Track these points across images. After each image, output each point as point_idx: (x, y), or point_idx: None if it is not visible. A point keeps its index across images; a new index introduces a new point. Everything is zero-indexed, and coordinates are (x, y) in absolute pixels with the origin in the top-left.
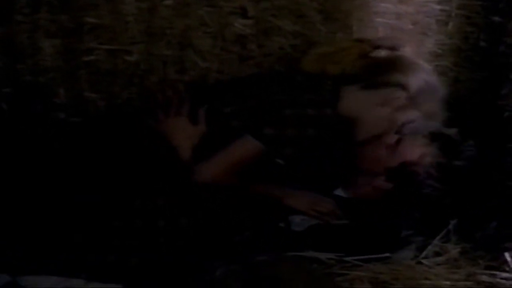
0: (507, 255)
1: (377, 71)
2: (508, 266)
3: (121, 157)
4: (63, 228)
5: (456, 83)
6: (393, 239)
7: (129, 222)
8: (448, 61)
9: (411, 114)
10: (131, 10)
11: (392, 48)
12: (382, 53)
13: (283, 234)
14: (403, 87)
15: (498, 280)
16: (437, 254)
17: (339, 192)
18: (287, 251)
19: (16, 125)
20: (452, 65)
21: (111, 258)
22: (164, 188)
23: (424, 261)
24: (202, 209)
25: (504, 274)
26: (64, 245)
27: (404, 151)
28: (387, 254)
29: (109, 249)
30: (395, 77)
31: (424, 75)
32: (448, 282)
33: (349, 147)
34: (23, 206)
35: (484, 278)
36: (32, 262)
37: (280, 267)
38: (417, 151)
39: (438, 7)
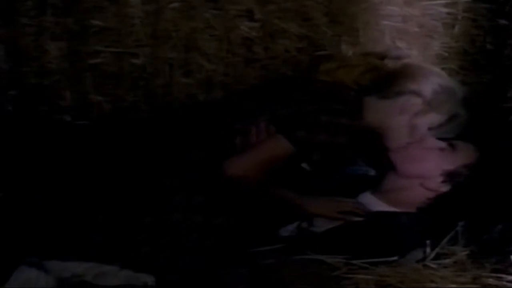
0: None
1: (388, 81)
2: None
3: (126, 159)
4: (95, 223)
5: (462, 86)
6: (403, 241)
7: (166, 216)
8: (454, 64)
9: (432, 118)
10: (137, 12)
11: (399, 58)
12: (390, 63)
13: (303, 234)
14: (416, 93)
15: (504, 283)
16: (445, 256)
17: (366, 196)
18: (305, 252)
19: (21, 127)
20: (458, 68)
21: (144, 250)
22: (201, 186)
23: (430, 263)
24: (236, 208)
25: (510, 277)
26: (96, 234)
27: (461, 155)
28: (395, 258)
29: (142, 241)
30: (406, 85)
31: (436, 78)
32: (454, 285)
33: (378, 155)
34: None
35: (490, 281)
36: (63, 249)
37: (286, 270)
38: (472, 156)
39: (444, 10)
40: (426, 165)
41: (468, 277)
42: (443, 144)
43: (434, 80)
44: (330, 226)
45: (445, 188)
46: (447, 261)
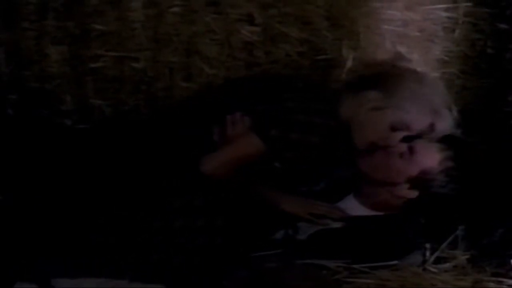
0: None
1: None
2: None
3: (127, 163)
4: (98, 230)
5: (463, 91)
6: (401, 246)
7: (169, 221)
8: (455, 69)
9: (394, 115)
10: (138, 17)
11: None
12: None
13: (288, 242)
14: (377, 88)
15: (505, 287)
16: (445, 260)
17: (350, 199)
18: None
19: (22, 131)
20: (459, 72)
21: (154, 258)
22: (201, 188)
23: (431, 267)
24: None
25: (511, 281)
26: (101, 247)
27: (421, 158)
28: (395, 262)
29: (150, 250)
30: (377, 81)
31: (407, 82)
32: None
33: (353, 156)
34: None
35: (491, 285)
36: (71, 265)
37: (287, 275)
38: (435, 157)
39: (445, 14)
40: (390, 173)
41: (469, 281)
42: (403, 149)
43: (404, 83)
44: (311, 231)
45: (413, 194)
46: (447, 265)
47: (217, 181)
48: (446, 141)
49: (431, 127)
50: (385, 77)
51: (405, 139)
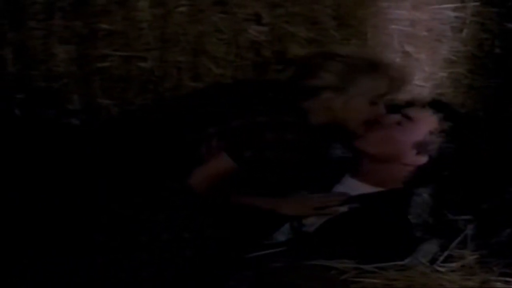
0: None
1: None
2: None
3: (134, 162)
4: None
5: (470, 90)
6: (408, 245)
7: (154, 236)
8: (462, 68)
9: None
10: (145, 16)
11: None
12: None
13: (295, 236)
14: (326, 88)
15: None
16: (453, 260)
17: (348, 180)
18: (302, 255)
19: (29, 131)
20: (467, 72)
21: (143, 274)
22: (184, 201)
23: (438, 267)
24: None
25: None
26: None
27: (420, 122)
28: (402, 262)
29: (140, 265)
30: (311, 82)
31: (332, 63)
32: None
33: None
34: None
35: (499, 285)
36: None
37: (294, 275)
38: (432, 119)
39: (453, 14)
40: (395, 143)
41: (477, 281)
42: (398, 117)
43: (331, 66)
44: (319, 222)
45: (422, 159)
46: (455, 265)
47: (200, 195)
48: (434, 106)
49: (393, 79)
50: (314, 72)
51: (395, 110)
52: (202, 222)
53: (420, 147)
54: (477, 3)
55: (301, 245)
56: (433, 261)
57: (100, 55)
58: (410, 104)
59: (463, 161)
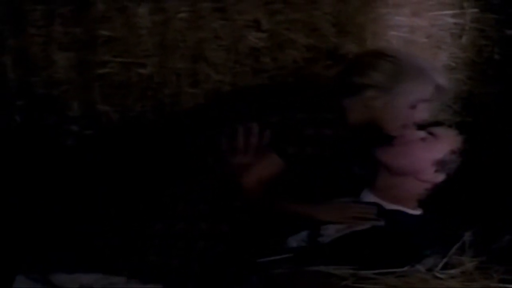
0: None
1: (343, 77)
2: None
3: (134, 168)
4: (98, 227)
5: (470, 97)
6: (413, 252)
7: (171, 224)
8: (462, 75)
9: (397, 101)
10: (144, 23)
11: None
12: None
13: (309, 244)
14: (371, 86)
15: None
16: (452, 266)
17: (367, 195)
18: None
19: (29, 137)
20: (466, 78)
21: (152, 259)
22: (207, 194)
23: (438, 274)
24: (242, 217)
25: None
26: (100, 244)
27: (443, 140)
28: (405, 268)
29: (150, 250)
30: (357, 79)
31: (383, 63)
32: None
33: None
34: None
35: None
36: (69, 261)
37: (296, 281)
38: (455, 139)
39: (452, 20)
40: (415, 159)
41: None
42: (423, 134)
43: (382, 66)
44: (337, 235)
45: (440, 177)
46: (455, 271)
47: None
48: (459, 127)
49: (438, 87)
50: (362, 70)
51: (422, 127)
52: (220, 218)
53: (440, 165)
54: (476, 10)
55: (311, 254)
56: (433, 268)
57: (100, 62)
58: (439, 123)
59: (463, 168)
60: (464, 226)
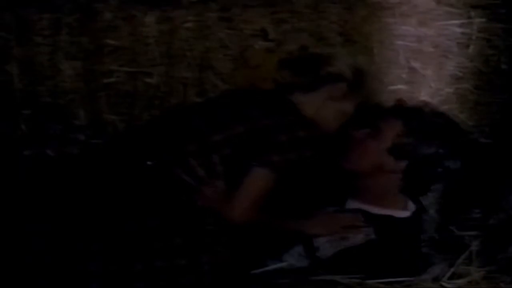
0: None
1: (307, 71)
2: None
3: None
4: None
5: (476, 106)
6: (417, 261)
7: (150, 262)
8: (469, 84)
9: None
10: (151, 32)
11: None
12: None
13: (309, 261)
14: (338, 76)
15: None
16: (459, 276)
17: (351, 203)
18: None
19: (35, 146)
20: (473, 88)
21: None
22: (181, 226)
23: (445, 283)
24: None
25: None
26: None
27: (387, 128)
28: (411, 278)
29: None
30: (326, 69)
31: (348, 59)
32: None
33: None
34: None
35: None
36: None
37: None
38: (397, 122)
39: (459, 30)
40: (371, 155)
41: None
42: (367, 130)
43: (348, 61)
44: (334, 249)
45: (403, 163)
46: (462, 281)
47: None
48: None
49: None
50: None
51: (363, 124)
52: (199, 248)
53: (394, 152)
54: (484, 20)
55: (316, 270)
56: (439, 277)
57: (106, 71)
58: (373, 112)
59: (469, 177)
60: (471, 235)
